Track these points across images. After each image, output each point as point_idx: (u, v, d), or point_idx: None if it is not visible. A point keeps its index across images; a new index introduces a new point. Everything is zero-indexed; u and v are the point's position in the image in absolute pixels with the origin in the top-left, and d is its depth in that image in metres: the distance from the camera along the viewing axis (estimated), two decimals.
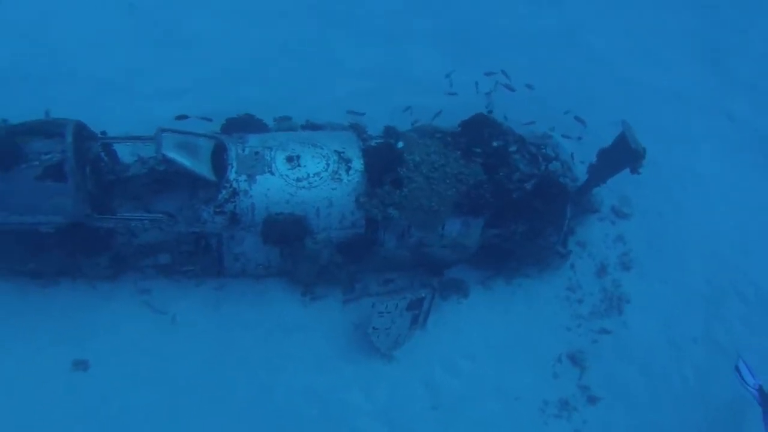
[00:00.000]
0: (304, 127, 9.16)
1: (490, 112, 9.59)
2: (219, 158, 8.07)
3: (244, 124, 8.81)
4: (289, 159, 8.13)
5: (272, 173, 8.03)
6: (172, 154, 7.75)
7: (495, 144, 8.71)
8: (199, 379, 8.22)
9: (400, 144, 8.26)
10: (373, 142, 8.55)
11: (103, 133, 8.20)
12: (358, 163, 8.23)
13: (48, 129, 7.74)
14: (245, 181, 7.95)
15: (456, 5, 11.48)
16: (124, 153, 8.86)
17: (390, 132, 9.12)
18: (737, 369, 8.36)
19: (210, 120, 9.27)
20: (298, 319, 8.58)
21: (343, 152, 8.28)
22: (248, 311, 8.54)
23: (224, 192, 7.89)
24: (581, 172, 9.68)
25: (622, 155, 8.62)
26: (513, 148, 8.94)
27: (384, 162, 8.22)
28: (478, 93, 10.20)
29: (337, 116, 9.73)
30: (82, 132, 7.88)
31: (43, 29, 10.40)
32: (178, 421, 8.02)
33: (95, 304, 8.48)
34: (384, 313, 8.22)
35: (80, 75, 10.00)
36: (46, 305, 8.43)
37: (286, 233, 8.01)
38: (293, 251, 8.21)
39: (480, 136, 8.74)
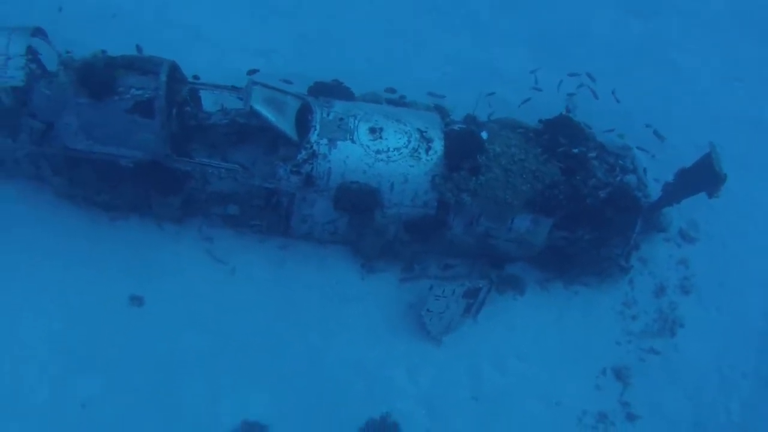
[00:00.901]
0: (389, 102, 9.11)
1: (569, 112, 9.46)
2: (303, 119, 8.11)
3: (331, 90, 8.82)
4: (372, 130, 8.13)
5: (353, 141, 8.05)
6: (260, 108, 7.81)
7: (576, 149, 8.58)
8: (249, 332, 8.35)
9: (485, 134, 8.19)
10: (456, 127, 8.49)
11: (195, 77, 8.24)
12: (438, 145, 8.21)
13: (144, 65, 7.83)
14: (326, 145, 7.98)
15: (547, 6, 11.36)
16: (207, 101, 8.90)
17: (470, 120, 9.05)
18: None
19: (290, 83, 9.27)
20: (356, 289, 8.65)
21: (426, 132, 8.26)
22: (309, 274, 8.63)
23: (304, 153, 7.93)
24: (653, 189, 9.50)
25: (703, 177, 8.47)
26: (593, 154, 8.83)
27: (465, 147, 8.20)
28: (560, 93, 10.03)
29: (419, 96, 9.63)
30: (175, 73, 7.97)
31: None
32: (222, 370, 8.16)
33: (159, 244, 8.63)
34: (440, 297, 8.23)
35: (170, 18, 10.09)
36: (114, 237, 8.63)
37: (358, 203, 8.04)
38: (361, 222, 8.24)
39: (562, 137, 8.61)
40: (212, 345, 8.22)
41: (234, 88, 8.34)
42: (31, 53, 8.00)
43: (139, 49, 8.13)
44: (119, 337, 8.21)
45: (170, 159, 7.89)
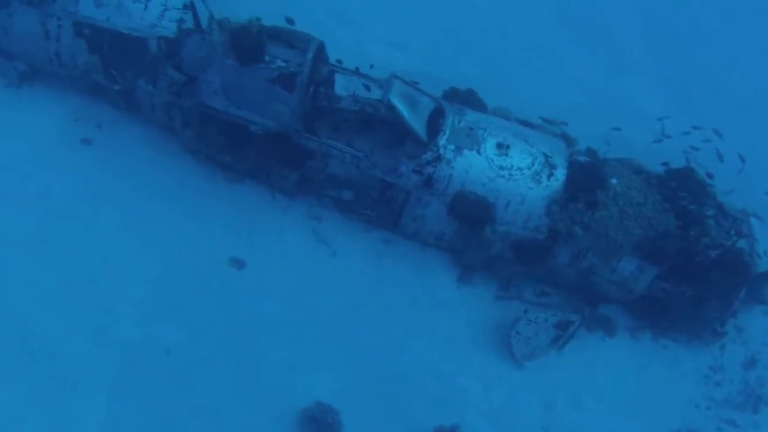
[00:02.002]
0: (519, 121, 9.10)
1: (689, 164, 9.30)
2: (435, 121, 8.17)
3: (465, 98, 8.86)
4: (499, 146, 8.16)
5: (479, 153, 8.10)
6: (397, 102, 7.91)
7: (694, 205, 8.43)
8: (337, 316, 8.47)
9: (615, 180, 8.12)
10: (581, 158, 8.44)
11: (338, 61, 8.39)
12: (561, 173, 8.19)
13: (293, 40, 8.03)
14: (452, 151, 8.05)
15: (696, 51, 11.13)
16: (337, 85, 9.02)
17: (592, 153, 8.98)
18: None
19: (416, 83, 9.31)
20: (449, 296, 8.68)
21: (551, 157, 8.25)
22: (405, 272, 8.69)
23: (429, 154, 8.01)
24: (765, 260, 9.24)
25: None
26: (710, 212, 8.66)
27: (586, 181, 8.15)
28: (687, 143, 9.84)
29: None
30: (320, 53, 8.14)
31: None
32: (304, 346, 8.29)
33: (269, 213, 8.83)
34: (532, 323, 8.23)
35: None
36: (227, 197, 8.85)
37: (472, 214, 8.09)
38: (470, 233, 8.25)
39: (684, 190, 8.47)
40: (299, 320, 8.37)
41: (368, 77, 8.43)
42: (191, 8, 8.24)
43: (289, 20, 8.30)
44: (213, 293, 8.43)
45: (299, 134, 8.06)
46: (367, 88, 8.18)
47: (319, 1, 10.13)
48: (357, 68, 8.49)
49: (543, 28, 10.73)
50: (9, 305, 7.84)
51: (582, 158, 8.48)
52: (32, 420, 7.28)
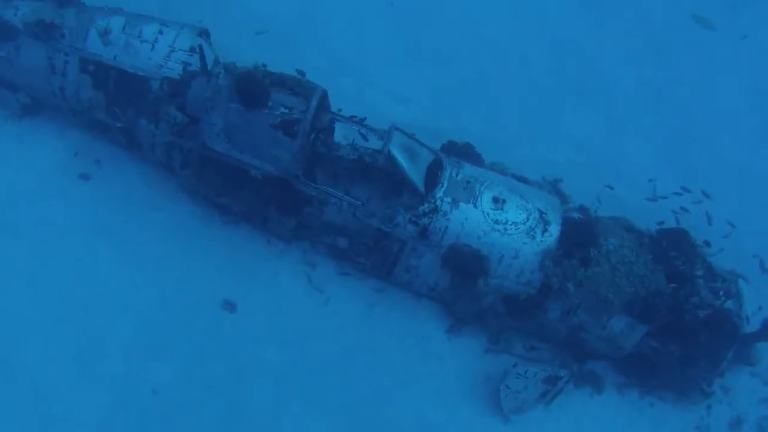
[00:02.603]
0: (514, 176, 9.22)
1: (678, 224, 9.45)
2: (433, 173, 8.29)
3: (463, 151, 8.99)
4: (495, 200, 8.27)
5: (475, 206, 8.20)
6: (396, 153, 8.02)
7: (684, 266, 8.55)
8: (326, 362, 8.54)
9: (612, 241, 8.23)
10: (574, 215, 8.57)
11: (339, 110, 8.52)
12: (555, 229, 8.30)
13: (297, 87, 8.13)
14: (449, 203, 8.15)
15: (686, 113, 11.38)
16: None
17: (583, 210, 9.12)
18: None
19: (412, 135, 9.42)
20: (440, 347, 8.74)
21: (546, 214, 8.36)
22: (397, 322, 8.75)
23: (426, 206, 8.11)
24: (752, 321, 9.35)
25: None
26: (699, 272, 8.77)
27: (580, 238, 8.26)
28: (677, 203, 10.00)
29: (536, 174, 9.75)
30: (323, 101, 8.25)
31: None
32: (291, 389, 8.35)
33: (263, 257, 8.92)
34: (521, 377, 8.27)
35: (326, 44, 10.45)
36: (222, 240, 8.93)
37: (466, 266, 8.15)
38: (463, 284, 8.31)
39: (675, 249, 8.60)
40: (289, 365, 8.43)
41: (368, 127, 8.56)
42: (198, 51, 8.37)
43: (300, 72, 8.44)
44: (203, 334, 8.50)
45: (298, 181, 8.14)
46: (365, 137, 8.27)
47: (322, 49, 10.31)
48: (361, 118, 8.59)
49: (542, 86, 10.93)
50: None
51: (575, 215, 8.57)
52: None
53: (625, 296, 8.19)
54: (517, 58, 11.09)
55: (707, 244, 8.90)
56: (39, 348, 8.03)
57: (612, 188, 9.68)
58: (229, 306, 8.56)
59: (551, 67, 11.12)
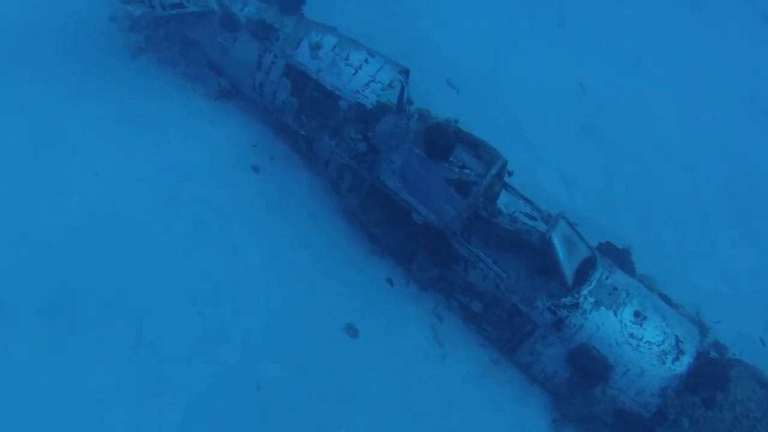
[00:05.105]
0: (660, 295, 9.20)
1: None
2: (584, 269, 8.38)
3: (619, 255, 9.06)
4: (637, 314, 8.30)
5: (615, 314, 8.25)
6: (556, 241, 8.17)
7: None
8: (426, 410, 8.58)
9: (742, 390, 8.10)
10: (711, 353, 8.50)
11: (509, 173, 8.74)
12: (687, 360, 8.26)
13: (481, 151, 8.43)
14: (591, 303, 8.22)
15: None
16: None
17: (721, 349, 9.03)
18: None
19: (575, 225, 9.43)
20: None
21: (683, 342, 8.33)
22: (505, 398, 8.79)
23: (569, 299, 8.21)
24: None
25: None
26: None
27: (710, 378, 8.16)
28: None
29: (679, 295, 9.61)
30: (501, 170, 8.50)
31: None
32: (386, 425, 8.43)
33: (398, 295, 9.14)
34: None
35: (508, 107, 10.73)
36: (363, 267, 9.25)
37: (590, 369, 8.18)
38: (581, 385, 8.35)
39: None
40: (391, 402, 8.56)
41: (533, 204, 8.76)
42: (400, 90, 8.81)
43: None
44: (320, 347, 8.76)
45: (455, 237, 8.40)
46: (532, 217, 8.47)
47: (503, 110, 10.56)
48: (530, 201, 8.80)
49: (706, 200, 10.80)
50: (137, 296, 8.38)
51: (712, 354, 8.50)
52: (118, 397, 7.71)
53: None
54: (687, 166, 10.98)
55: None
56: (168, 317, 8.45)
57: (765, 344, 9.48)
58: (352, 330, 8.84)
59: (719, 182, 10.94)
